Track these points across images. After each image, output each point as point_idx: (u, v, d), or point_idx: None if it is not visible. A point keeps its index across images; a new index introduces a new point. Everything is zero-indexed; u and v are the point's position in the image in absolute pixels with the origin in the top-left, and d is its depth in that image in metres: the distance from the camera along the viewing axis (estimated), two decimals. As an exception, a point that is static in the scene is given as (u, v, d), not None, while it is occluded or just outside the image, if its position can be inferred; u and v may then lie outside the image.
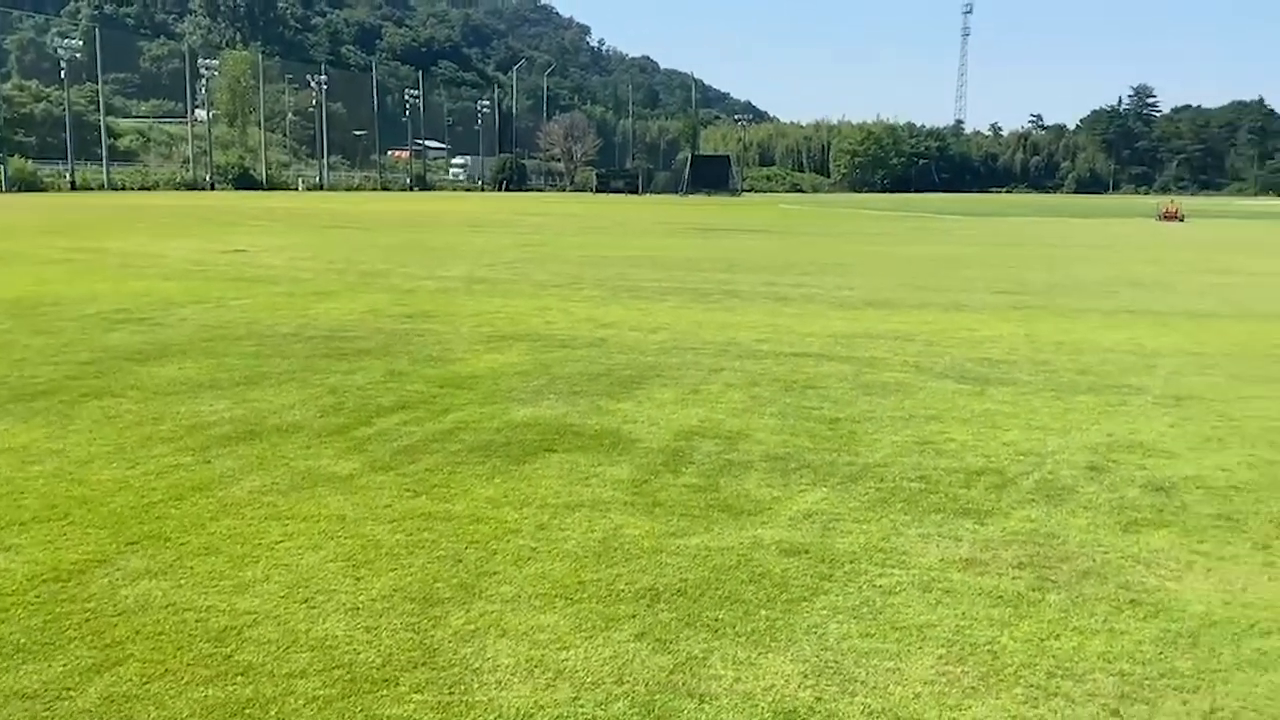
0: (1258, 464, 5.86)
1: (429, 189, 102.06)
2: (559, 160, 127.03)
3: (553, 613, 3.74)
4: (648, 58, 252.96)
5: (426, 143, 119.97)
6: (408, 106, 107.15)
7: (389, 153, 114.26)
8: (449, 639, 3.52)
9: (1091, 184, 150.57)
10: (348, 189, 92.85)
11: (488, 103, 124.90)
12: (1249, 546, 4.55)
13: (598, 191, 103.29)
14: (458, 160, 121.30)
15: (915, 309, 12.78)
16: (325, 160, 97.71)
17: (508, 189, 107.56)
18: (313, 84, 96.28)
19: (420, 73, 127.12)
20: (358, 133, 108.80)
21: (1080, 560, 4.34)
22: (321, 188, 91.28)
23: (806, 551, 4.39)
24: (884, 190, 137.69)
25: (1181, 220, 44.88)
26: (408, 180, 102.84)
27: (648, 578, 4.07)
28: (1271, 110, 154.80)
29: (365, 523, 4.67)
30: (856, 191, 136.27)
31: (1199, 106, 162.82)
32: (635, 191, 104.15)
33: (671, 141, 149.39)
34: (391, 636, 3.53)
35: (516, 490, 5.16)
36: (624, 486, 5.25)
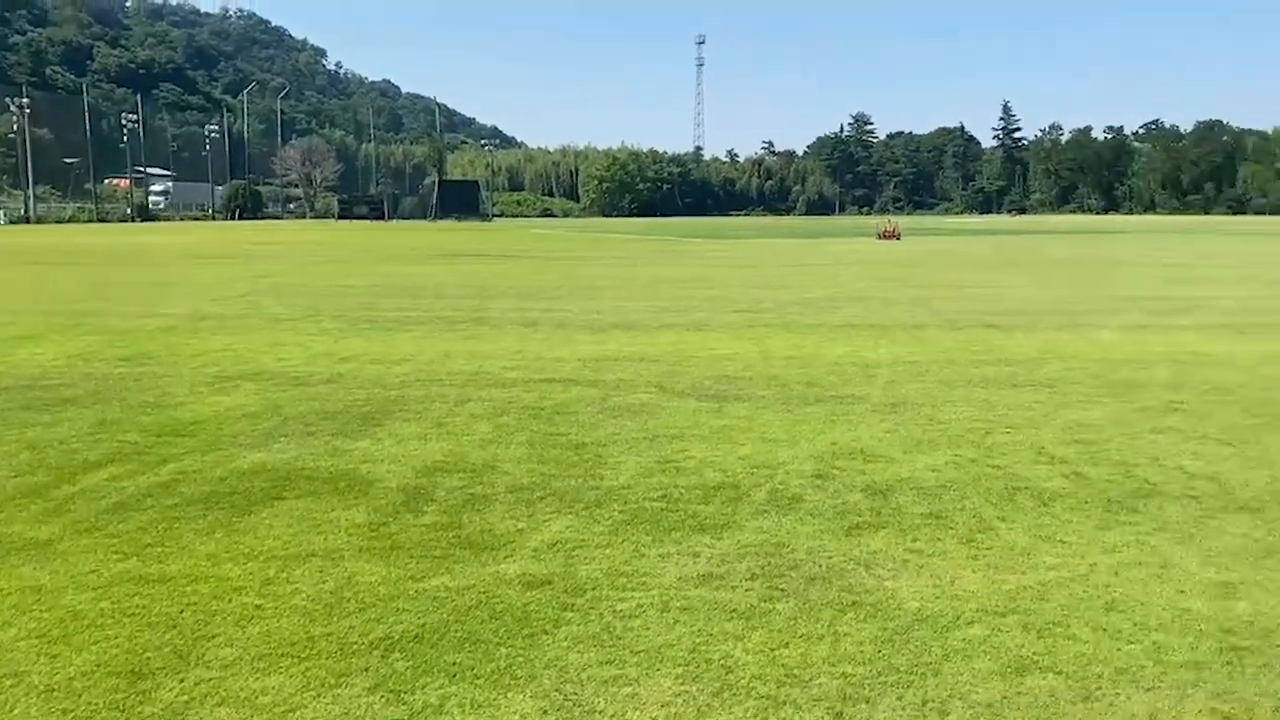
0: (962, 463, 6.39)
1: (152, 219, 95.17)
2: (297, 186, 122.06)
3: (278, 673, 3.50)
4: (389, 81, 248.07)
5: (149, 170, 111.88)
6: (126, 131, 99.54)
7: (107, 181, 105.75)
8: (159, 714, 3.22)
9: (820, 206, 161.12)
10: (59, 221, 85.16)
11: (216, 127, 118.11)
12: (955, 541, 4.93)
13: (340, 218, 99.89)
14: (157, 188, 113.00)
15: (660, 330, 13.14)
16: (31, 190, 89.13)
17: (241, 217, 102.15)
18: (13, 107, 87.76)
19: (139, 96, 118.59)
20: (69, 160, 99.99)
21: (807, 567, 4.54)
22: (29, 220, 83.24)
23: (550, 583, 4.36)
24: (632, 214, 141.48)
25: (898, 238, 48.76)
26: (128, 210, 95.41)
27: (383, 626, 3.90)
28: (971, 136, 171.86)
29: (65, 592, 4.22)
30: (606, 216, 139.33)
31: (910, 133, 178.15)
32: (381, 218, 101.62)
33: (417, 166, 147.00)
34: (92, 718, 3.19)
35: (240, 544, 4.82)
36: (360, 531, 5.02)
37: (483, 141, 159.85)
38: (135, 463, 6.27)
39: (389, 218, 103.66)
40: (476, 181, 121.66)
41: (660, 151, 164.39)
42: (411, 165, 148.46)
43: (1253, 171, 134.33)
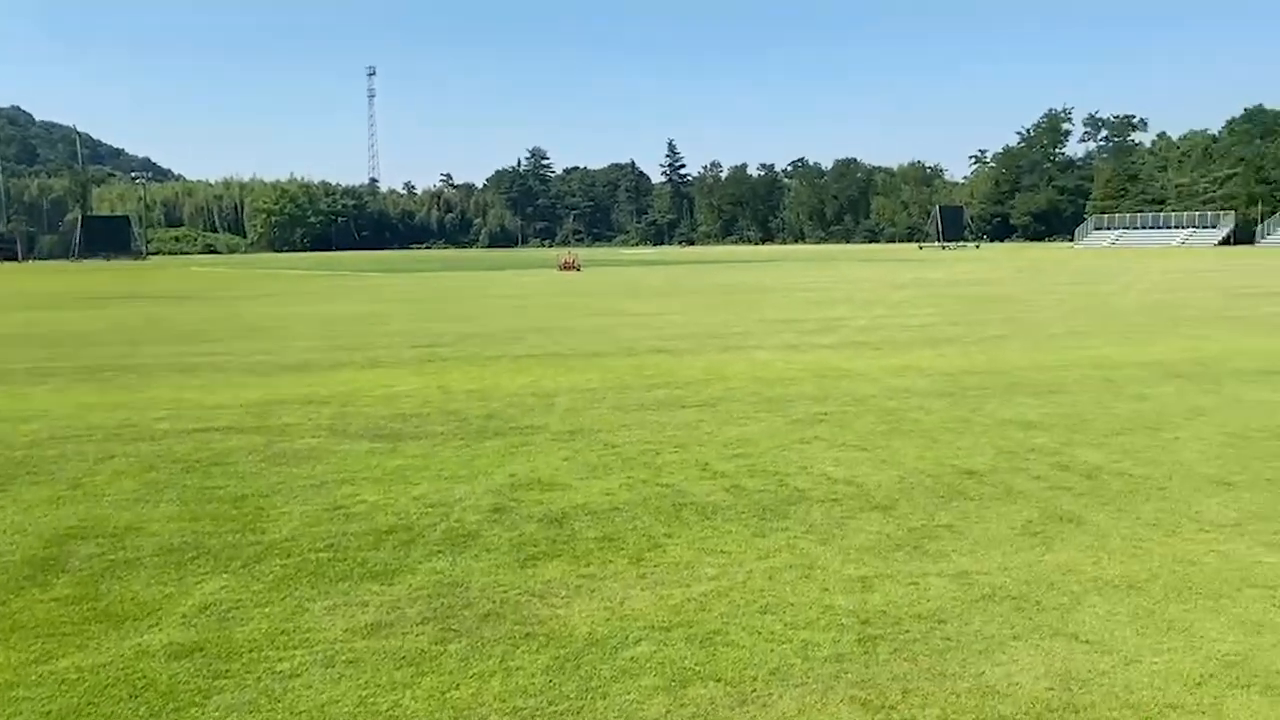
0: (634, 484, 6.61)
1: None
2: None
3: None
4: (18, 108, 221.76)
5: None
6: None
7: None
8: None
9: (502, 238, 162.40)
10: None
11: None
12: (626, 562, 5.07)
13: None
14: None
15: (331, 369, 12.62)
16: None
17: None
18: None
19: None
20: None
21: (482, 604, 4.50)
22: None
23: (201, 650, 4.02)
24: (305, 249, 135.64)
25: (579, 269, 50.14)
26: None
27: (-7, 723, 3.41)
28: (642, 172, 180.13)
29: None
30: (276, 251, 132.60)
31: (585, 168, 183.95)
32: (14, 258, 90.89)
33: (57, 201, 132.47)
34: None
35: None
36: (-31, 615, 4.39)
37: (134, 174, 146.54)
38: None
39: (23, 258, 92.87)
40: (126, 218, 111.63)
41: (333, 184, 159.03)
42: (50, 200, 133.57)
43: (882, 204, 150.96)
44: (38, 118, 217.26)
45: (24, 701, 3.58)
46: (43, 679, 3.77)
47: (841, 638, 4.12)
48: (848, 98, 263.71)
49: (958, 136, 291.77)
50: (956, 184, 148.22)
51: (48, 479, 6.91)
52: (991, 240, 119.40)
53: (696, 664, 3.87)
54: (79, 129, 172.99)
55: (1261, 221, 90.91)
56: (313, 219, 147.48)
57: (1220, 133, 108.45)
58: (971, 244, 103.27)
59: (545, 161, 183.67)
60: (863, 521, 5.72)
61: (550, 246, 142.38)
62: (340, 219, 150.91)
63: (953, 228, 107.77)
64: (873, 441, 7.84)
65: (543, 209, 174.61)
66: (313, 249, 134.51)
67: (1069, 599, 4.51)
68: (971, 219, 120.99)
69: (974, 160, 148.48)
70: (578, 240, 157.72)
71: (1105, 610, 4.37)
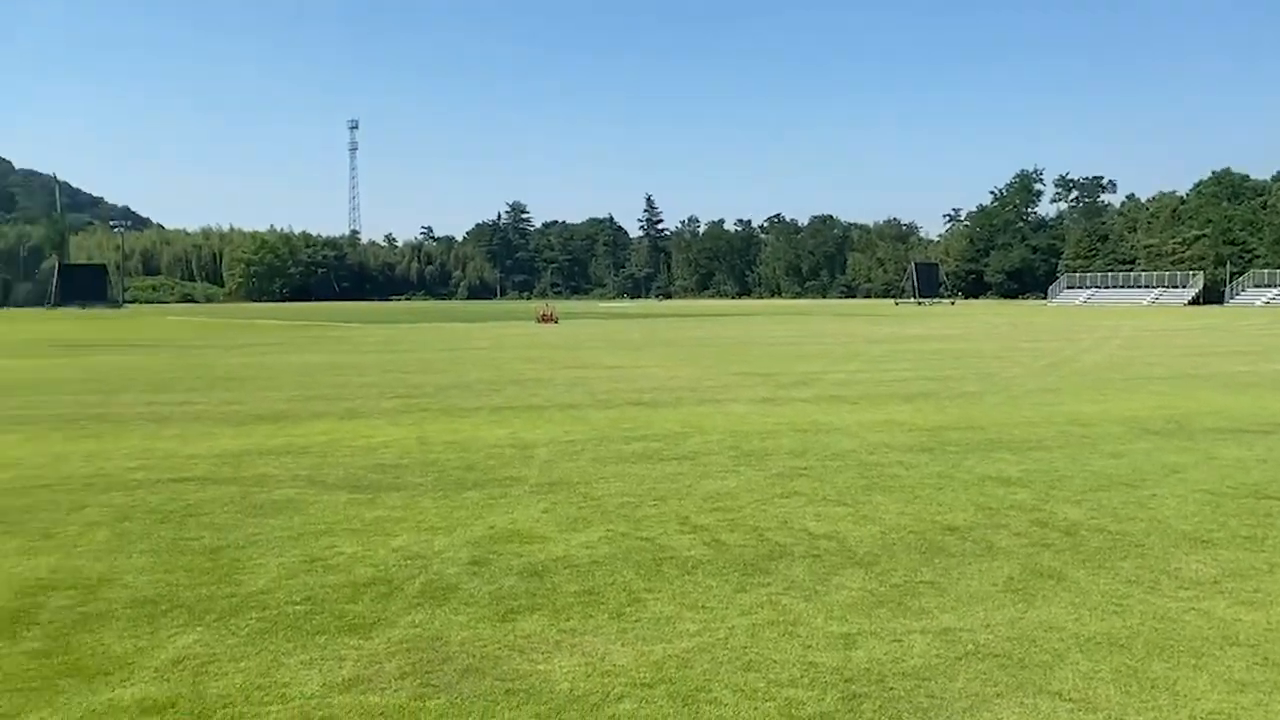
0: (614, 537, 6.57)
1: None
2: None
3: None
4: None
5: None
6: None
7: None
8: None
9: (482, 290, 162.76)
10: None
11: None
12: (607, 617, 5.03)
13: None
14: None
15: (310, 420, 12.53)
16: None
17: None
18: None
19: None
20: None
21: (461, 659, 4.44)
22: None
23: (174, 705, 3.94)
24: (284, 299, 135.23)
25: (556, 322, 50.25)
26: None
27: (-42, 781, 3.32)
28: (620, 226, 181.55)
29: None
30: (255, 300, 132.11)
31: (564, 222, 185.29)
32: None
33: (34, 249, 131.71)
34: None
35: None
36: (-65, 669, 4.28)
37: (112, 222, 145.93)
38: None
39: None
40: (104, 266, 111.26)
41: (314, 234, 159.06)
42: (27, 248, 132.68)
43: (858, 260, 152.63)
44: (17, 165, 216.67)
45: (-10, 759, 3.49)
46: (9, 735, 3.68)
47: (825, 696, 4.08)
48: (823, 154, 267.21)
49: (932, 195, 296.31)
50: (932, 241, 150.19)
51: (19, 528, 6.80)
52: (966, 297, 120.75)
53: (678, 721, 3.82)
54: (59, 177, 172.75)
55: (1230, 281, 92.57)
56: (292, 269, 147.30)
57: (1188, 195, 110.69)
58: (947, 300, 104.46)
59: (525, 215, 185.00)
60: (845, 578, 5.70)
61: (529, 299, 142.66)
62: (320, 270, 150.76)
63: (928, 284, 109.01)
64: (853, 496, 7.84)
65: (522, 262, 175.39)
66: (292, 299, 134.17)
67: (1052, 656, 4.50)
68: (947, 276, 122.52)
69: (948, 219, 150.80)
70: (556, 293, 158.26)
71: (1088, 668, 4.37)
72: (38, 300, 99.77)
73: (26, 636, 4.73)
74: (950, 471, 8.89)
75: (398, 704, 3.95)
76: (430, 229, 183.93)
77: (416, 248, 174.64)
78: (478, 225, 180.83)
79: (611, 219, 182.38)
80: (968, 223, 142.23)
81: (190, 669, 4.31)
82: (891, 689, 4.14)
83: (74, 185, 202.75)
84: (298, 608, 5.13)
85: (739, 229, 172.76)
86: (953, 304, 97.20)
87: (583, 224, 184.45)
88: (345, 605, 5.17)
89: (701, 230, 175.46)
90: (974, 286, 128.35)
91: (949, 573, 5.79)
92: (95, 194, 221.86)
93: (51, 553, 6.20)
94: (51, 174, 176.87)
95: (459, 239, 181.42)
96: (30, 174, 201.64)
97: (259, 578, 5.66)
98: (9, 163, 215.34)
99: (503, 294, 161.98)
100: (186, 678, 4.22)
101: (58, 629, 4.83)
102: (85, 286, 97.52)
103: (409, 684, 4.14)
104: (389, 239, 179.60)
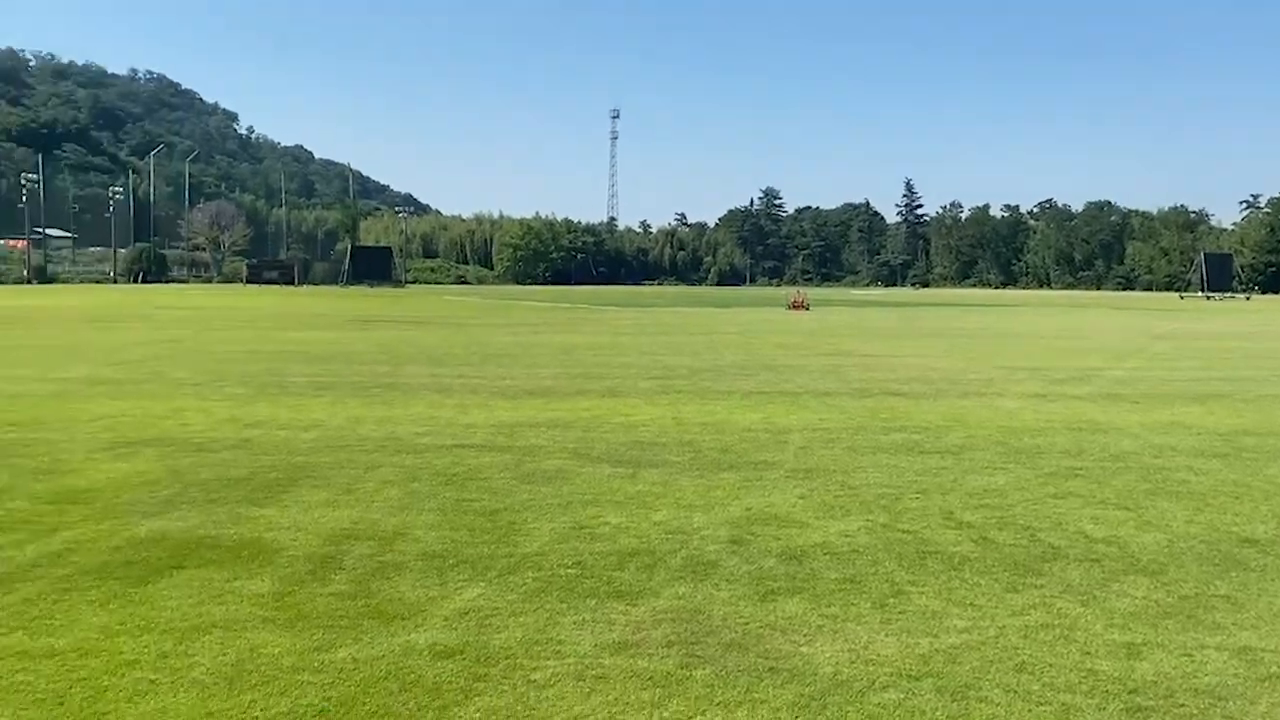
0: (874, 528, 6.47)
1: (51, 281, 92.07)
2: (204, 250, 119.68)
3: (173, 753, 3.33)
4: (301, 147, 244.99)
5: (48, 231, 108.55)
6: (25, 192, 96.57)
7: (2, 242, 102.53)
8: (41, 801, 3.02)
9: (731, 276, 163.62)
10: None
11: (120, 189, 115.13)
12: (869, 606, 4.96)
13: (249, 283, 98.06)
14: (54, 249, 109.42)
15: (574, 396, 13.11)
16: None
17: (145, 280, 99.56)
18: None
19: (40, 156, 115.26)
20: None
21: (724, 633, 4.52)
22: (-89, 281, 79.88)
23: (462, 652, 4.25)
24: (546, 282, 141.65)
25: (807, 309, 49.82)
26: (25, 272, 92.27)
27: (286, 700, 3.74)
28: (876, 211, 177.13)
29: (-61, 671, 3.96)
30: (520, 283, 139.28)
31: (818, 208, 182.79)
32: (291, 283, 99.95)
33: (330, 232, 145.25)
34: (-36, 808, 2.98)
35: (136, 615, 4.60)
36: (264, 601, 4.85)
37: (396, 208, 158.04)
38: (23, 531, 5.96)
39: (299, 283, 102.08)
40: (390, 248, 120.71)
41: (575, 221, 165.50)
42: (324, 231, 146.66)
43: (1138, 249, 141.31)
44: (317, 155, 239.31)
45: (308, 686, 3.90)
46: (324, 666, 4.10)
47: (1107, 705, 3.85)
48: (1101, 136, 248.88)
49: (1227, 179, 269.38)
50: (1225, 230, 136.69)
51: (325, 483, 7.54)
52: (1264, 292, 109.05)
53: (949, 717, 3.72)
54: (352, 166, 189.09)
55: None
56: (554, 254, 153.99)
57: None
58: (1241, 295, 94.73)
59: (778, 201, 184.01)
60: (1126, 585, 5.34)
61: (778, 285, 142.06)
62: (579, 255, 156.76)
63: (1219, 277, 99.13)
64: (1135, 501, 7.31)
65: (772, 248, 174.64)
66: (553, 283, 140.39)
67: (1378, 690, 4.02)
68: (1241, 268, 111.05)
69: (1246, 205, 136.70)
70: (806, 280, 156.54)
71: None
72: (332, 278, 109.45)
73: (334, 580, 5.24)
74: (1247, 480, 8.10)
75: (665, 670, 4.08)
76: (683, 215, 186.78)
77: (670, 234, 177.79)
78: (730, 211, 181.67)
79: (867, 204, 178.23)
80: (1269, 210, 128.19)
81: (475, 620, 4.64)
82: (1182, 705, 3.85)
83: (364, 174, 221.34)
84: (569, 571, 5.40)
85: (1005, 214, 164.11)
86: (1248, 299, 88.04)
87: (837, 209, 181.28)
88: (612, 572, 5.39)
89: (964, 216, 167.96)
90: (1273, 281, 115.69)
91: (1247, 588, 5.30)
92: (382, 182, 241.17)
93: (352, 506, 6.84)
94: (346, 163, 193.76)
95: (711, 225, 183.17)
96: (329, 163, 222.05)
97: (533, 540, 6.00)
98: (310, 153, 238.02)
99: (752, 280, 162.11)
100: (472, 628, 4.55)
101: (360, 575, 5.33)
102: (373, 266, 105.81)
103: (675, 653, 4.27)
104: (644, 225, 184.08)
